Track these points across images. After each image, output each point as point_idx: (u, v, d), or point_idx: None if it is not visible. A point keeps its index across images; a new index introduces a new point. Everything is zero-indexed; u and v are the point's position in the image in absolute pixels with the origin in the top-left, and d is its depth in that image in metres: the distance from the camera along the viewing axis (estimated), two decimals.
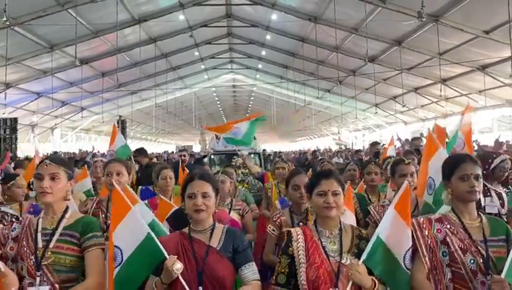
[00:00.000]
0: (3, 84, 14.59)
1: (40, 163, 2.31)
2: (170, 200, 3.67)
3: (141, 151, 7.25)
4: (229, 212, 3.52)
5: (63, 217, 2.28)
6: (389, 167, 3.60)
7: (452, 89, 15.97)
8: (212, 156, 10.61)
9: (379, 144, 7.76)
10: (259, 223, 4.98)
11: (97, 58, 15.76)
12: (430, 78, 16.00)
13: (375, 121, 26.46)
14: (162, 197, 3.55)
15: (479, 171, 2.24)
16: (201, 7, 14.45)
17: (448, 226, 2.21)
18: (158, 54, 17.70)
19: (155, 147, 36.13)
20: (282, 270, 2.19)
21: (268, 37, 17.73)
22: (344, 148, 22.93)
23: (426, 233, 2.21)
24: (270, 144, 34.40)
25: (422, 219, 2.27)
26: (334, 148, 24.59)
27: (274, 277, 2.22)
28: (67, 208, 2.33)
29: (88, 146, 24.25)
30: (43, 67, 14.96)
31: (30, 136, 20.84)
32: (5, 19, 7.83)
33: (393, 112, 22.36)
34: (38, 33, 12.05)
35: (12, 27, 9.74)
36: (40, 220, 2.28)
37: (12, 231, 2.26)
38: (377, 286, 2.09)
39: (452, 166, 2.28)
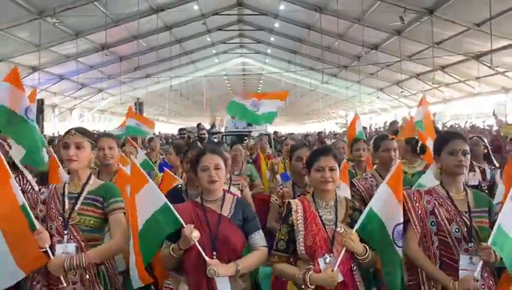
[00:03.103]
0: (30, 68, 15.78)
1: (66, 133, 2.45)
2: (181, 176, 3.75)
3: (182, 131, 8.60)
4: (229, 187, 3.59)
5: (87, 182, 2.45)
6: (372, 142, 3.83)
7: (450, 75, 16.63)
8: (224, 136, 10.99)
9: (398, 122, 8.40)
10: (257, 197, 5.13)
11: (116, 44, 16.64)
12: (429, 66, 16.59)
13: (381, 105, 27.14)
14: (166, 170, 3.62)
15: (467, 148, 2.33)
16: None
17: (437, 198, 2.34)
18: (173, 40, 18.60)
19: (167, 127, 37.21)
20: (282, 237, 2.33)
21: (276, 24, 18.39)
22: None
23: (417, 204, 2.34)
24: (279, 127, 35.13)
25: (413, 192, 2.41)
26: (338, 131, 25.41)
27: (275, 243, 2.36)
28: (90, 174, 2.49)
29: (104, 126, 25.33)
30: (67, 53, 16.00)
31: (51, 116, 22.06)
32: (54, 20, 8.94)
33: (397, 97, 23.04)
34: (66, 22, 13.01)
35: (45, 18, 10.81)
36: (67, 185, 2.46)
37: (41, 194, 2.45)
38: (368, 253, 2.23)
39: (442, 142, 2.39)
